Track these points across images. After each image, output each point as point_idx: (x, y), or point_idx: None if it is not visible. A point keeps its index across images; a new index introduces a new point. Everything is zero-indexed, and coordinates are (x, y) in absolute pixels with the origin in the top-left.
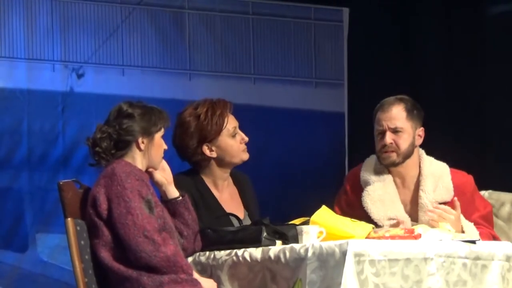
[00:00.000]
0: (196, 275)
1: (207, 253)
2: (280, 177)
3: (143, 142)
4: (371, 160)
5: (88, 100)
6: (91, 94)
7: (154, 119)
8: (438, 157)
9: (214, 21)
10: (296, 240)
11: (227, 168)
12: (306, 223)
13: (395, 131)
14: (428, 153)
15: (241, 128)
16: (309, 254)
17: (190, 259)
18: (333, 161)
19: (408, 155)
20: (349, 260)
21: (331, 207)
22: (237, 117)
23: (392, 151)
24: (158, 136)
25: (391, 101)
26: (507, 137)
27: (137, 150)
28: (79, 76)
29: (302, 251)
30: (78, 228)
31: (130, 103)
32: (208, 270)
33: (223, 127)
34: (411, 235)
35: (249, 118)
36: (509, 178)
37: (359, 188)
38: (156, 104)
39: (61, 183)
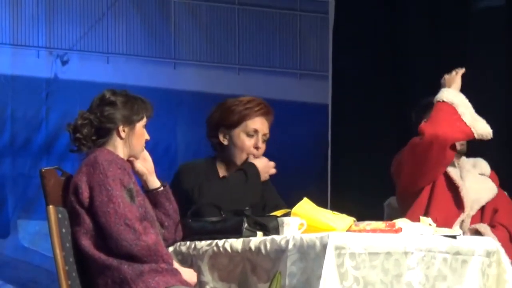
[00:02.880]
0: (176, 265)
1: (188, 243)
2: None
3: (124, 131)
4: None
5: (72, 87)
6: (75, 81)
7: (136, 108)
8: None
9: (200, 10)
10: (277, 231)
11: (233, 162)
12: (287, 214)
13: None
14: None
15: None
16: (290, 246)
17: (170, 249)
18: (316, 153)
19: None
20: (330, 253)
21: (312, 198)
22: None
23: None
24: (140, 125)
25: None
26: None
27: (118, 138)
28: (64, 62)
29: (282, 242)
30: (60, 215)
31: (113, 91)
32: (188, 260)
33: (244, 120)
34: (392, 228)
35: None
36: None
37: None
38: (140, 93)
39: (43, 170)
